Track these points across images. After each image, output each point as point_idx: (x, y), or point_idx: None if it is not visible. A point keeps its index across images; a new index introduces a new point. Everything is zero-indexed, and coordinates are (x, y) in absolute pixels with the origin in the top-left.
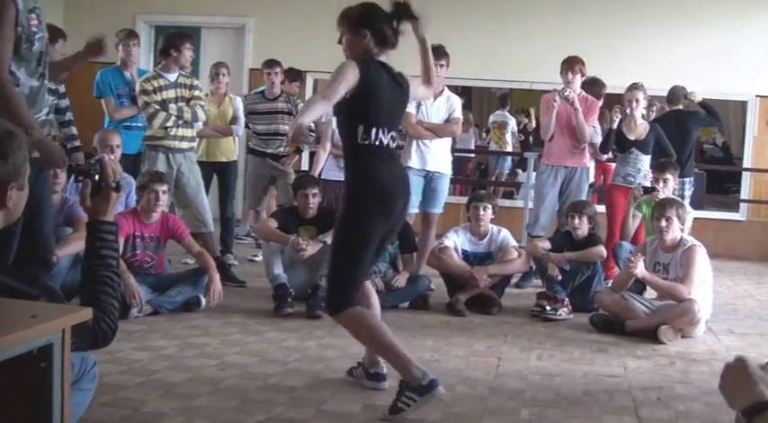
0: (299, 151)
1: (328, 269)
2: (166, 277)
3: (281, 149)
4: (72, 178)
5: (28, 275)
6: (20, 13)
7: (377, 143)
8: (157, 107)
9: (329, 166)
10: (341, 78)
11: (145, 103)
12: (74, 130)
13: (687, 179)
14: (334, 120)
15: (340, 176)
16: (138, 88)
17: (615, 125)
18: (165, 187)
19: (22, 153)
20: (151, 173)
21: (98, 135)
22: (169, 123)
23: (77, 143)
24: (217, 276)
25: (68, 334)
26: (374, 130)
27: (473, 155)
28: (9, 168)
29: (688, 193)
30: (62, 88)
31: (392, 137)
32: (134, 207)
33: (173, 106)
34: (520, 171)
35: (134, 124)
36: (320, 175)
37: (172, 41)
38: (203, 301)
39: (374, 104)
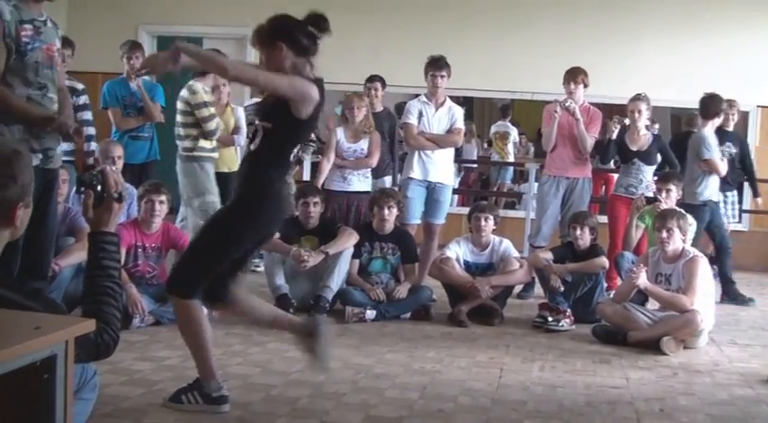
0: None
1: (188, 249)
2: None
3: None
4: (74, 189)
5: (31, 289)
6: (6, 24)
7: (290, 159)
8: (219, 120)
9: (334, 177)
10: (305, 90)
11: (211, 114)
12: (92, 146)
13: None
14: (339, 130)
15: (344, 187)
16: (196, 99)
17: (615, 135)
18: (162, 197)
19: (29, 172)
20: (150, 183)
21: (99, 146)
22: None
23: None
24: None
25: (72, 345)
26: (296, 150)
27: (475, 165)
28: (18, 189)
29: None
30: (80, 86)
31: None
32: (135, 217)
33: (218, 119)
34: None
35: (140, 135)
36: (323, 185)
37: None
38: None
39: (310, 129)
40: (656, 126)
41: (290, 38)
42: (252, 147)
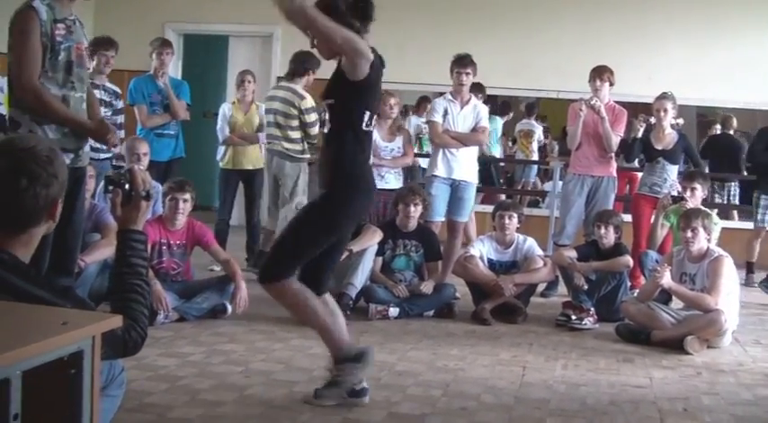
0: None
1: (278, 238)
2: (193, 284)
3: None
4: (100, 185)
5: (60, 287)
6: (43, 23)
7: (371, 129)
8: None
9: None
10: (358, 45)
11: (316, 119)
12: (122, 134)
13: None
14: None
15: (381, 185)
16: (305, 104)
17: (640, 134)
18: (186, 195)
19: (65, 169)
20: (174, 181)
21: (126, 143)
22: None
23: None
24: (243, 283)
25: (99, 341)
26: (373, 117)
27: (501, 164)
28: (59, 186)
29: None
30: (118, 89)
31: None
32: (160, 214)
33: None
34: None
35: (165, 132)
36: None
37: (309, 63)
38: (229, 308)
39: (373, 92)
40: (681, 121)
41: (338, 12)
42: (325, 131)
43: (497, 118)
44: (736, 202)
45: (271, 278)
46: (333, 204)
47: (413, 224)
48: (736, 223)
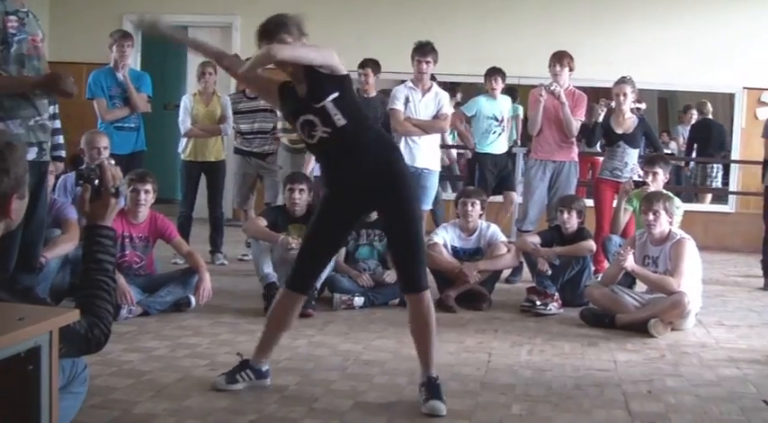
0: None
1: (412, 252)
2: (156, 278)
3: (266, 148)
4: (59, 180)
5: (21, 288)
6: None
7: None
8: None
9: None
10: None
11: None
12: (60, 139)
13: None
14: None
15: None
16: None
17: (601, 118)
18: (148, 186)
19: (23, 164)
20: (136, 172)
21: (85, 137)
22: None
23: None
24: (207, 275)
25: (56, 336)
26: None
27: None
28: (11, 181)
29: None
30: None
31: None
32: (121, 207)
33: None
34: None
35: (126, 125)
36: (312, 172)
37: None
38: (193, 300)
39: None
40: (643, 105)
41: (288, 28)
42: (328, 131)
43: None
44: (718, 184)
45: (423, 288)
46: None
47: (375, 213)
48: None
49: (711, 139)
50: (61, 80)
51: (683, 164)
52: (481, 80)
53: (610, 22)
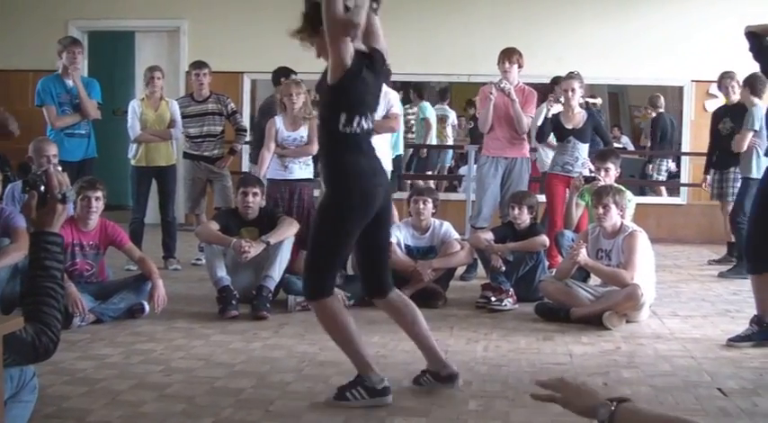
0: (233, 152)
1: (306, 255)
2: (108, 285)
3: (215, 151)
4: (7, 189)
5: None
6: None
7: (358, 131)
8: None
9: (274, 166)
10: (341, 51)
11: None
12: None
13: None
14: (278, 119)
15: (285, 175)
16: None
17: (550, 114)
18: (98, 193)
19: None
20: (85, 179)
21: (33, 144)
22: None
23: None
24: (160, 282)
25: None
26: (357, 118)
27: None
28: None
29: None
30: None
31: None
32: (71, 215)
33: None
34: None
35: (77, 132)
36: (264, 175)
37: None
38: (147, 307)
39: (348, 94)
40: (599, 101)
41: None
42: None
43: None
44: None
45: (312, 297)
46: (332, 204)
47: None
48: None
49: (664, 134)
50: (8, 121)
51: (639, 157)
52: (433, 79)
53: (560, 18)
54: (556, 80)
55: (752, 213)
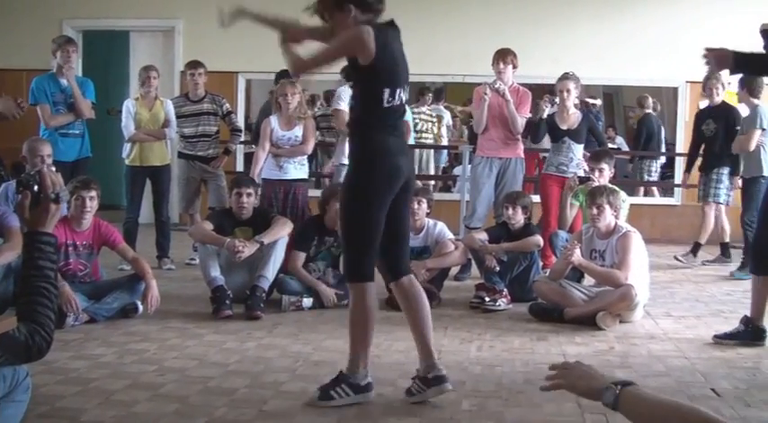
0: (227, 152)
1: (342, 239)
2: (102, 284)
3: (210, 151)
4: (0, 188)
5: None
6: None
7: (398, 103)
8: None
9: (269, 166)
10: (352, 40)
11: None
12: None
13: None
14: (273, 118)
15: (280, 175)
16: None
17: (545, 115)
18: (93, 193)
19: None
20: (79, 179)
21: (26, 144)
22: None
23: None
24: (153, 282)
25: None
26: (398, 91)
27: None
28: None
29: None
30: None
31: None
32: (64, 215)
33: None
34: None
35: (71, 131)
36: (259, 174)
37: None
38: (140, 306)
39: (386, 69)
40: (598, 102)
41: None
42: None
43: None
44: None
45: (352, 278)
46: (354, 186)
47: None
48: (641, 199)
49: (651, 135)
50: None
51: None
52: (428, 79)
53: (555, 19)
54: None
55: (761, 213)
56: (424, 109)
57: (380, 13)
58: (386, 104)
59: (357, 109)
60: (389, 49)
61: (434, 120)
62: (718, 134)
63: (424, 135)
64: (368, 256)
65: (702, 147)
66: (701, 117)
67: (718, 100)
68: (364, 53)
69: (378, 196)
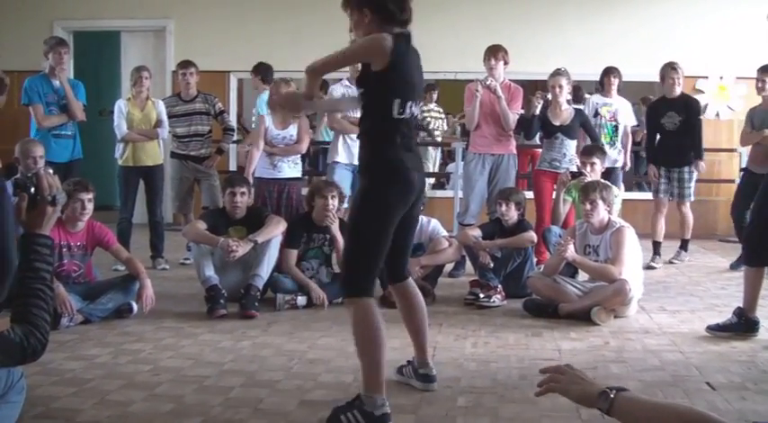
0: (220, 152)
1: (346, 250)
2: (96, 285)
3: (203, 151)
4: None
5: None
6: None
7: (409, 116)
8: None
9: (263, 164)
10: (368, 49)
11: None
12: None
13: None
14: (267, 117)
15: (274, 174)
16: None
17: (538, 111)
18: (90, 195)
19: None
20: (75, 181)
21: (19, 146)
22: None
23: None
24: (148, 282)
25: None
26: (409, 103)
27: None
28: None
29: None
30: None
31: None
32: (59, 216)
33: None
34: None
35: (63, 133)
36: (253, 173)
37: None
38: (135, 306)
39: (395, 80)
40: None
41: (375, 3)
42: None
43: None
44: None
45: (350, 294)
46: (370, 198)
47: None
48: (636, 194)
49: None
50: None
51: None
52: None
53: (546, 15)
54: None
55: (755, 207)
56: (432, 106)
57: (405, 25)
58: (396, 115)
59: (367, 120)
60: (406, 61)
61: (443, 116)
62: (682, 127)
63: (435, 133)
64: (371, 273)
65: (659, 139)
66: (657, 110)
67: (678, 91)
68: (379, 58)
69: (390, 214)
